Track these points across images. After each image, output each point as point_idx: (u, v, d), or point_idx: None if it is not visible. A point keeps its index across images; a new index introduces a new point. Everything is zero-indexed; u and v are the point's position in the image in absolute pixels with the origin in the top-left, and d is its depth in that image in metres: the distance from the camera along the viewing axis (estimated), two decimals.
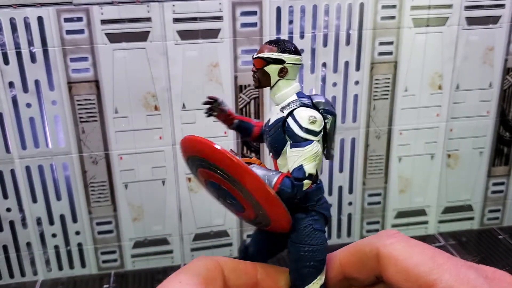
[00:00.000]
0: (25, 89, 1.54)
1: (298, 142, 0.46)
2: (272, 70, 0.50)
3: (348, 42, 1.67)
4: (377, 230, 1.94)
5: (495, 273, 0.30)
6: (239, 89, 1.67)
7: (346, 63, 1.70)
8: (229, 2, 1.56)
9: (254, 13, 1.59)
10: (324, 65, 1.70)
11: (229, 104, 1.66)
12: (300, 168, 0.44)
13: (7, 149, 1.59)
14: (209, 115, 0.55)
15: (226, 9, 1.57)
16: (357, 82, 1.72)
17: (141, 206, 1.73)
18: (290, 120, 0.47)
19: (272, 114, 0.50)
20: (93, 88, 1.58)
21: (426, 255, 0.31)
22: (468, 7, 1.70)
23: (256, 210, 0.42)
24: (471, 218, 2.01)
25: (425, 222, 1.97)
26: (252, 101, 1.68)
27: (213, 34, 1.59)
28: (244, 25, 1.60)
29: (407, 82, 1.75)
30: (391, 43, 1.70)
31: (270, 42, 0.51)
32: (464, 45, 1.74)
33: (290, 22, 1.63)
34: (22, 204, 1.65)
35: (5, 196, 1.64)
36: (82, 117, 1.60)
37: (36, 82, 1.54)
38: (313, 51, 1.67)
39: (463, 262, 0.31)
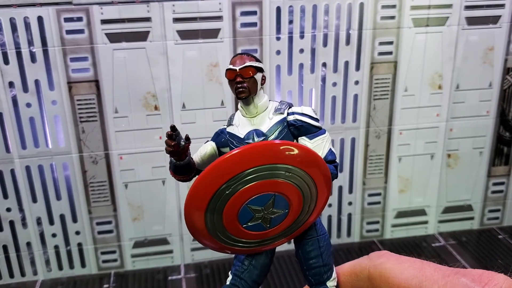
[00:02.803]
0: (25, 89, 1.54)
1: (315, 132, 0.50)
2: (258, 78, 0.51)
3: (348, 42, 1.67)
4: (377, 230, 1.95)
5: (483, 275, 0.31)
6: None
7: (346, 63, 1.70)
8: (229, 2, 1.56)
9: (254, 13, 1.59)
10: (324, 65, 1.70)
11: (230, 104, 1.66)
12: (331, 151, 0.49)
13: (7, 149, 1.59)
14: (172, 151, 0.53)
15: (226, 9, 1.57)
16: (357, 82, 1.73)
17: (141, 206, 1.73)
18: (298, 117, 0.50)
19: (251, 125, 0.51)
20: (93, 88, 1.58)
21: (414, 269, 0.33)
22: (468, 7, 1.70)
23: (306, 203, 0.44)
24: (471, 218, 2.01)
25: (425, 222, 1.97)
26: None
27: (213, 34, 1.59)
28: (244, 25, 1.60)
29: (407, 82, 1.75)
30: (391, 43, 1.70)
31: (242, 54, 0.53)
32: (464, 45, 1.74)
33: (290, 22, 1.63)
34: (22, 204, 1.65)
35: (5, 196, 1.64)
36: (82, 117, 1.60)
37: (36, 82, 1.54)
38: (313, 51, 1.67)
39: (451, 270, 0.32)
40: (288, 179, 0.42)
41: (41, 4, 1.47)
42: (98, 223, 1.72)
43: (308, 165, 0.43)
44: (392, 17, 1.67)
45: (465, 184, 1.94)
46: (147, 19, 1.54)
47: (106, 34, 1.53)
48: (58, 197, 1.67)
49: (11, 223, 1.67)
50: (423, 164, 1.87)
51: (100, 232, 1.74)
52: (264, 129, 0.52)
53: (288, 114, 0.52)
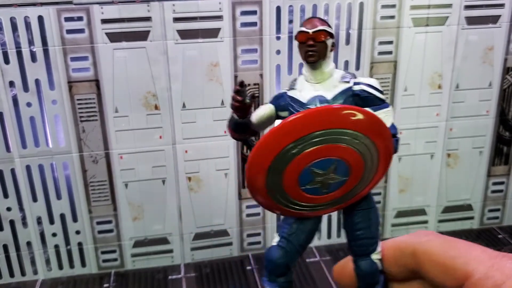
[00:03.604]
0: (26, 88, 1.54)
1: (380, 104, 0.50)
2: (329, 43, 0.52)
3: (348, 42, 1.67)
4: None
5: None
6: None
7: (346, 63, 1.70)
8: (229, 1, 1.57)
9: (254, 12, 1.59)
10: None
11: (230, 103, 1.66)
12: (393, 125, 0.49)
13: (8, 148, 1.59)
14: (237, 107, 0.53)
15: (226, 8, 1.57)
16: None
17: (141, 205, 1.74)
18: (364, 87, 0.51)
19: (315, 91, 0.51)
20: (94, 87, 1.58)
21: (461, 249, 0.33)
22: (467, 7, 1.70)
23: (366, 172, 0.45)
24: (471, 218, 2.01)
25: (425, 222, 1.97)
26: None
27: (213, 33, 1.59)
28: (244, 24, 1.60)
29: (407, 82, 1.75)
30: (390, 42, 1.70)
31: (313, 17, 0.53)
32: (464, 44, 1.75)
33: (290, 21, 1.63)
34: (23, 203, 1.66)
35: (6, 195, 1.64)
36: (83, 117, 1.60)
37: (37, 82, 1.54)
38: None
39: (498, 253, 0.32)
40: (354, 146, 0.43)
41: (42, 4, 1.47)
42: (98, 223, 1.72)
43: (374, 133, 0.43)
44: (392, 17, 1.67)
45: (465, 183, 1.94)
46: (147, 19, 1.54)
47: (106, 33, 1.53)
48: (59, 197, 1.67)
49: (12, 223, 1.67)
50: (423, 163, 1.87)
51: (100, 232, 1.74)
52: (328, 96, 0.52)
53: (354, 84, 0.52)
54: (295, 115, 0.42)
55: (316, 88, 0.52)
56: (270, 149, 0.42)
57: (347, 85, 0.51)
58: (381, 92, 0.51)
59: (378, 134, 0.43)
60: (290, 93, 0.54)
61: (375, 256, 0.47)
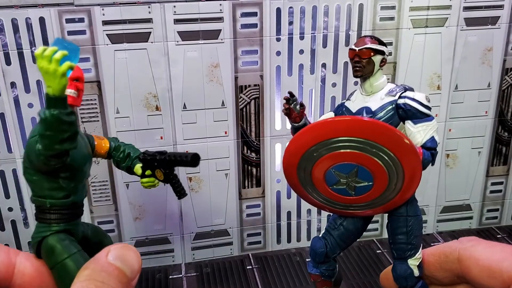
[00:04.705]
0: (27, 89, 1.55)
1: (422, 118, 0.54)
2: (377, 60, 0.56)
3: (347, 43, 1.68)
4: (376, 230, 1.96)
5: None
6: (239, 89, 1.68)
7: (346, 64, 1.71)
8: (230, 3, 1.57)
9: (255, 14, 1.60)
10: (324, 65, 1.71)
11: (230, 104, 1.67)
12: (433, 139, 0.53)
13: (9, 149, 1.60)
14: (286, 113, 0.61)
15: (227, 10, 1.58)
16: (356, 83, 1.73)
17: (142, 206, 1.74)
18: (408, 101, 0.56)
19: (364, 102, 0.57)
20: (95, 88, 1.59)
21: (506, 252, 0.33)
22: (467, 8, 1.71)
23: (391, 183, 0.48)
24: (470, 218, 2.02)
25: (424, 222, 1.98)
26: (252, 101, 1.69)
27: (213, 35, 1.60)
28: (244, 26, 1.61)
29: (406, 83, 1.75)
30: (390, 43, 1.71)
31: (366, 36, 0.58)
32: (463, 45, 1.75)
33: (290, 23, 1.64)
34: (24, 204, 1.66)
35: (7, 196, 1.65)
36: (84, 117, 1.61)
37: (38, 82, 1.55)
38: (312, 51, 1.68)
39: None
40: (375, 157, 0.46)
41: (43, 5, 1.48)
42: (99, 223, 1.73)
43: (402, 154, 0.46)
44: (391, 18, 1.68)
45: (463, 183, 1.95)
46: (148, 20, 1.54)
47: (107, 35, 1.54)
48: None
49: (13, 223, 1.68)
50: None
51: None
52: (374, 107, 0.57)
53: (400, 97, 0.57)
54: (315, 123, 0.47)
55: (366, 100, 0.57)
56: (299, 149, 0.47)
57: (392, 98, 0.56)
58: (426, 106, 0.54)
59: (405, 156, 0.46)
60: (346, 103, 0.60)
61: (412, 262, 0.50)
